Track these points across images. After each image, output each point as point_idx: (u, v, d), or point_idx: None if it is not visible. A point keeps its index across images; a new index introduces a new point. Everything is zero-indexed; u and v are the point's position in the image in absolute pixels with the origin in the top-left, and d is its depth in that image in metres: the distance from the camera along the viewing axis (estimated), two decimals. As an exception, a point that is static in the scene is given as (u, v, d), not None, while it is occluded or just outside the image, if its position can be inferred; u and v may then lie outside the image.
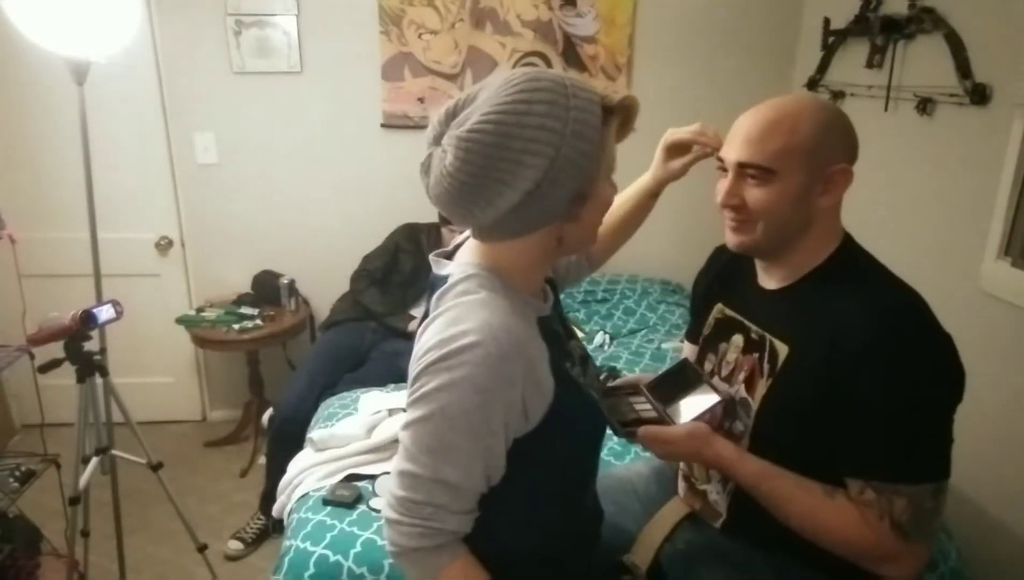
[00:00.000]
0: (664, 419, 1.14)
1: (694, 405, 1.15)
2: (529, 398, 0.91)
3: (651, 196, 1.33)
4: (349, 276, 2.88)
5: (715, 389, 1.17)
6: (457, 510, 0.92)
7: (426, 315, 0.98)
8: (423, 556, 0.93)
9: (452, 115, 0.90)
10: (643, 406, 1.18)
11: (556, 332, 1.03)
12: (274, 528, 2.46)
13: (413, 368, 0.91)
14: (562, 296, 3.27)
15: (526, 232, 0.92)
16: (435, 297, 0.96)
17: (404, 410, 2.17)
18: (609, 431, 1.13)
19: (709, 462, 1.14)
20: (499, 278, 0.95)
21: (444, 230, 2.77)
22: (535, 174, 0.85)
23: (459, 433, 0.88)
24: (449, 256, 1.05)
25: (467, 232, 1.04)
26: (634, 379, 1.26)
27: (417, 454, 0.90)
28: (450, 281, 0.96)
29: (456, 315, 0.90)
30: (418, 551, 0.92)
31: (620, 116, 0.95)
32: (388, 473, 1.87)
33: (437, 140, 0.90)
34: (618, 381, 1.27)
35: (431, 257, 1.05)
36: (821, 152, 1.05)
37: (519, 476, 0.95)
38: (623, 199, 1.34)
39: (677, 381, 1.22)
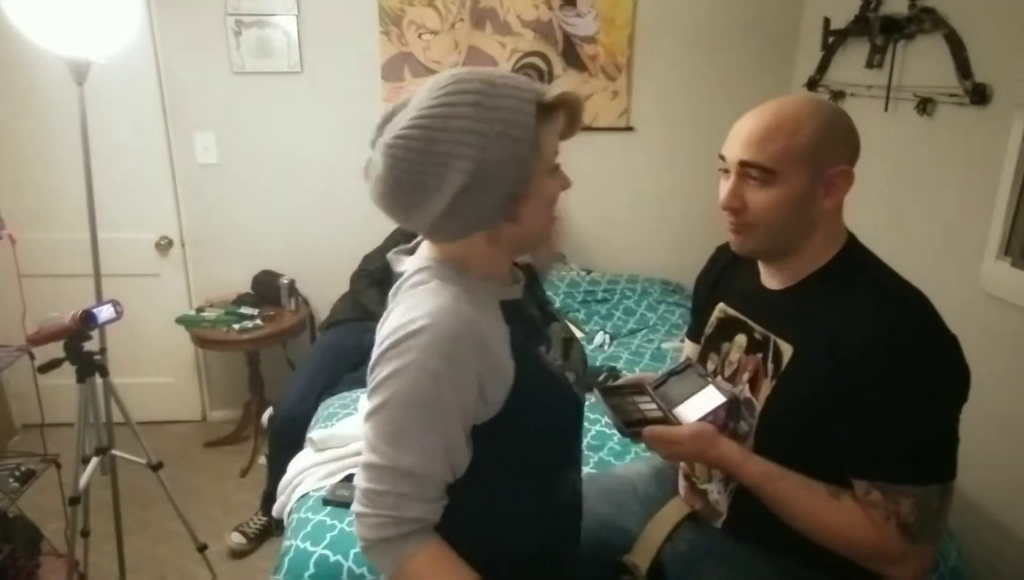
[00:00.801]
0: (669, 419, 1.14)
1: (699, 405, 1.15)
2: (487, 381, 0.91)
3: None
4: (349, 276, 2.88)
5: (720, 389, 1.17)
6: (420, 498, 0.91)
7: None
8: (389, 547, 0.92)
9: (387, 120, 0.91)
10: (648, 406, 1.18)
11: (530, 315, 1.04)
12: (276, 527, 2.46)
13: (375, 361, 0.92)
14: (562, 296, 3.24)
15: (466, 233, 0.93)
16: (391, 292, 0.98)
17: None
18: (613, 429, 1.13)
19: (714, 463, 1.14)
20: (452, 268, 0.96)
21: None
22: (461, 178, 0.85)
23: (413, 418, 0.89)
24: (412, 253, 1.06)
25: None
26: (638, 378, 1.26)
27: (377, 443, 0.90)
28: (404, 275, 0.98)
29: (408, 305, 0.91)
30: (385, 542, 0.92)
31: (563, 113, 0.92)
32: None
33: (373, 144, 0.92)
34: (622, 380, 1.27)
35: (389, 255, 1.06)
36: (822, 154, 1.05)
37: (485, 462, 0.95)
38: None
39: (682, 381, 1.22)
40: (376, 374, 0.90)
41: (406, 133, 0.86)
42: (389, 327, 0.91)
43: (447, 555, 0.95)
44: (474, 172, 0.85)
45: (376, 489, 0.91)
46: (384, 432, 0.90)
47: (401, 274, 1.01)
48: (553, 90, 0.90)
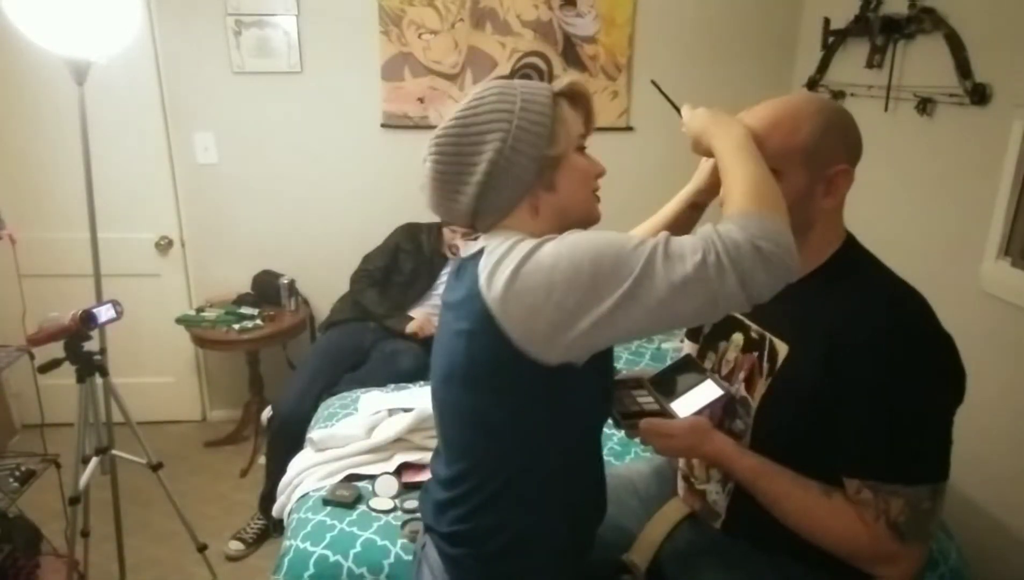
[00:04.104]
0: (666, 412, 1.14)
1: (696, 399, 1.15)
2: None
3: (691, 207, 1.29)
4: (349, 276, 2.88)
5: (718, 384, 1.17)
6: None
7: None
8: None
9: None
10: (645, 399, 1.18)
11: None
12: (274, 528, 2.46)
13: (517, 282, 0.91)
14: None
15: (509, 203, 1.00)
16: (482, 258, 0.97)
17: (404, 410, 2.16)
18: (611, 426, 1.14)
19: (708, 457, 1.14)
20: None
21: (445, 230, 2.77)
22: (496, 144, 0.97)
23: (613, 239, 0.91)
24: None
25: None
26: (638, 373, 1.26)
27: (635, 271, 0.88)
28: (489, 247, 0.98)
29: (517, 237, 0.96)
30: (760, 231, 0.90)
31: (577, 103, 1.04)
32: (388, 473, 1.87)
33: (424, 161, 1.04)
34: (621, 375, 1.28)
35: (461, 241, 1.08)
36: (822, 153, 1.05)
37: (555, 419, 1.00)
38: (661, 212, 1.33)
39: (680, 376, 1.22)
40: (559, 271, 0.89)
41: (443, 129, 1.01)
42: (511, 256, 0.92)
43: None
44: (505, 138, 0.97)
45: (689, 256, 0.88)
46: (627, 257, 0.89)
47: (470, 257, 1.02)
48: (562, 80, 1.04)
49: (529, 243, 0.93)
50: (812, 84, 2.80)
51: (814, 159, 1.05)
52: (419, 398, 2.16)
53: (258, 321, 2.87)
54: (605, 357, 1.02)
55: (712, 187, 1.24)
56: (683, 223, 1.29)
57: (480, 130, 0.98)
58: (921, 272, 1.28)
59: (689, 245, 0.89)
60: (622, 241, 0.91)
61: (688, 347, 1.39)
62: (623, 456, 1.97)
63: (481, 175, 0.97)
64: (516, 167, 0.97)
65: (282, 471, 2.04)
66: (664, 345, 2.71)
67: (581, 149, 1.05)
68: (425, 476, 1.85)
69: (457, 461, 1.07)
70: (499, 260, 0.93)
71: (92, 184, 1.94)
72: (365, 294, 2.78)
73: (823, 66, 2.76)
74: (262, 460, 2.69)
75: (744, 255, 0.87)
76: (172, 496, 2.04)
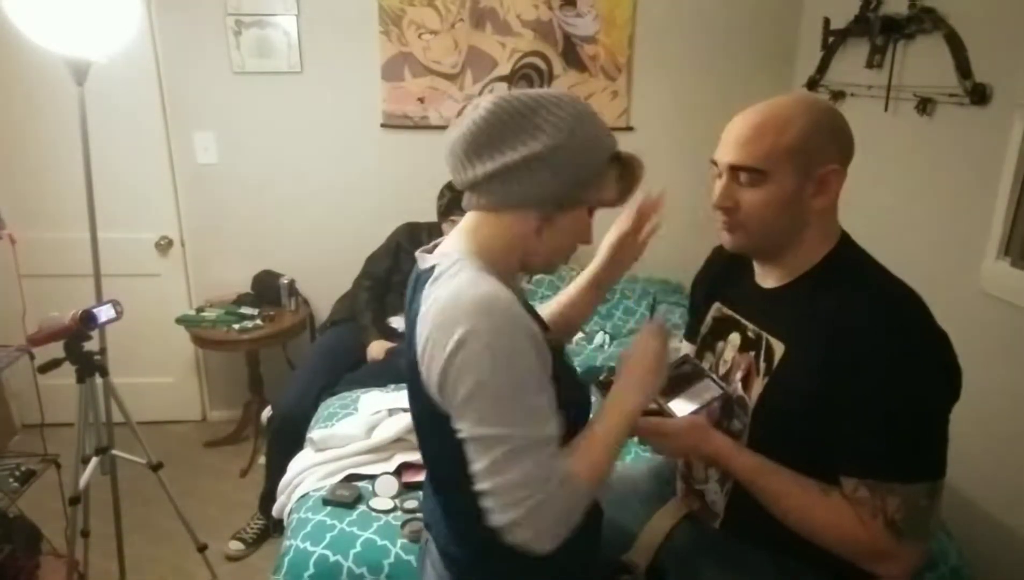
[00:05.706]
0: (664, 411, 1.14)
1: (694, 398, 1.15)
2: (541, 356, 0.93)
3: (593, 287, 1.29)
4: (348, 276, 2.88)
5: (716, 383, 1.17)
6: (559, 452, 0.94)
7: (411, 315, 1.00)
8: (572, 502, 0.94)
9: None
10: None
11: None
12: (274, 528, 2.46)
13: (433, 360, 0.91)
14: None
15: (508, 205, 0.98)
16: (427, 285, 0.97)
17: (404, 410, 2.16)
18: None
19: (707, 456, 1.14)
20: (482, 261, 0.98)
21: (444, 227, 2.77)
22: (538, 147, 0.94)
23: (521, 392, 0.90)
24: (432, 252, 1.07)
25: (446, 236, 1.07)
26: None
27: (510, 432, 0.90)
28: (438, 269, 0.98)
29: (456, 292, 0.92)
30: (567, 511, 0.93)
31: (625, 176, 1.03)
32: (388, 473, 1.87)
33: (475, 107, 0.99)
34: None
35: (417, 253, 1.07)
36: (811, 153, 1.05)
37: None
38: (564, 293, 1.32)
39: (678, 375, 1.22)
40: (459, 374, 0.89)
41: (519, 95, 0.97)
42: (441, 318, 0.91)
43: (583, 438, 0.99)
44: (550, 149, 0.94)
45: (534, 474, 0.90)
46: (512, 418, 0.90)
47: (426, 271, 1.01)
48: (625, 150, 1.02)
49: (469, 307, 0.90)
50: (812, 84, 2.80)
51: (803, 159, 1.05)
52: (419, 398, 2.16)
53: (258, 321, 2.87)
54: (562, 368, 1.02)
55: (611, 266, 1.27)
56: (584, 302, 1.30)
57: (539, 125, 0.94)
58: (921, 272, 1.28)
59: (533, 478, 0.90)
60: (539, 406, 0.92)
61: (686, 347, 1.39)
62: (623, 456, 1.97)
63: (511, 159, 0.95)
64: (539, 177, 0.95)
65: (282, 471, 2.04)
66: (664, 345, 2.71)
67: (591, 211, 1.04)
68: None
69: (438, 468, 1.07)
70: (433, 332, 0.91)
71: (92, 184, 1.94)
72: (359, 299, 2.77)
73: (823, 66, 2.76)
74: (262, 460, 2.69)
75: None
76: (172, 496, 2.04)
